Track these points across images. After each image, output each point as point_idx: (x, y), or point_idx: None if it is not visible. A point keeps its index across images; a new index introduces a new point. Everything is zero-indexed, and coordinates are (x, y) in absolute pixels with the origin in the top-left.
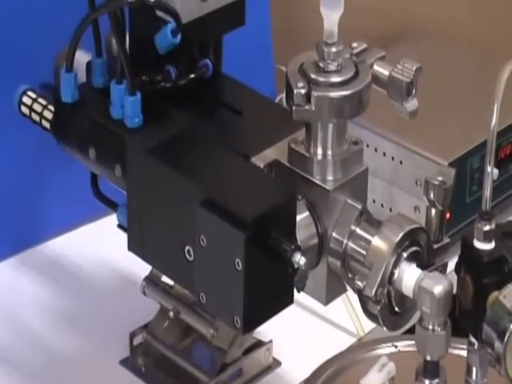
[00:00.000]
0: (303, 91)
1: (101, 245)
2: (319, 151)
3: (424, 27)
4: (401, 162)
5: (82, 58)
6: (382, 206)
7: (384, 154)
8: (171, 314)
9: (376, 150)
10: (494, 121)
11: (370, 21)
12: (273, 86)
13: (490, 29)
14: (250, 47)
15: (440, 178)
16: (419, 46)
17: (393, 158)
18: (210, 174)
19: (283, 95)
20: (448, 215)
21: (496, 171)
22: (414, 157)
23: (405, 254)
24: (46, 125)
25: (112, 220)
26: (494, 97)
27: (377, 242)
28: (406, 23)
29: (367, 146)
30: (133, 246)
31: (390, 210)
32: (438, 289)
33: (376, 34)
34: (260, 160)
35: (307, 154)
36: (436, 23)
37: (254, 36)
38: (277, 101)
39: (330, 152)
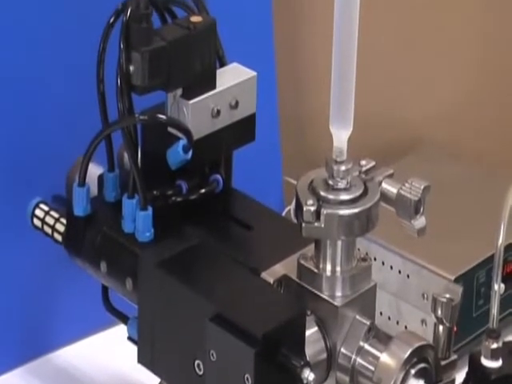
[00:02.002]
0: (313, 208)
1: (111, 355)
2: (328, 267)
3: (431, 141)
4: (408, 276)
5: (94, 170)
6: (389, 318)
7: (391, 268)
8: None
9: (383, 263)
10: (500, 240)
11: (379, 135)
12: (281, 198)
13: (496, 144)
14: (259, 159)
15: (447, 295)
16: (427, 160)
17: (400, 272)
18: (220, 288)
19: (291, 207)
20: (455, 329)
21: (502, 286)
22: (421, 271)
23: (413, 371)
24: (58, 237)
25: (122, 330)
26: (500, 216)
27: (385, 358)
28: (414, 137)
29: (374, 259)
30: (143, 359)
31: (397, 322)
32: None
33: (384, 148)
34: (270, 275)
35: (316, 270)
36: (443, 138)
37: (263, 149)
38: (285, 213)
39: (338, 268)
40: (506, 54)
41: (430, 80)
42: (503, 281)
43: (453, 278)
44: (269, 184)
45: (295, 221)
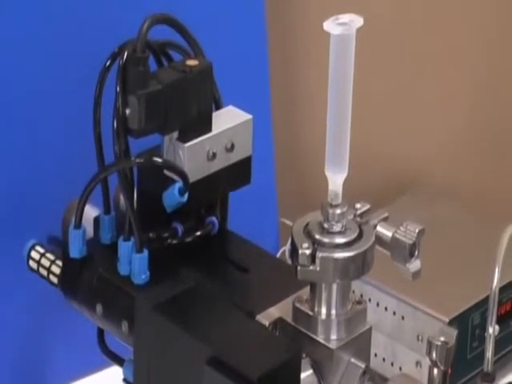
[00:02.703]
0: (308, 252)
1: None
2: (323, 310)
3: (428, 182)
4: (402, 318)
5: (89, 212)
6: (384, 360)
7: (386, 309)
8: None
9: (378, 304)
10: (495, 284)
11: (375, 175)
12: (276, 238)
13: (493, 186)
14: (254, 200)
15: (442, 339)
16: (422, 200)
17: (394, 313)
18: (216, 332)
19: (286, 248)
20: (449, 372)
21: (497, 328)
22: (416, 313)
23: None
24: (54, 280)
25: (117, 371)
26: (494, 260)
27: None
28: (410, 177)
29: (369, 300)
30: None
31: (392, 364)
32: None
33: (381, 188)
34: (265, 318)
35: (311, 313)
36: (439, 178)
37: (259, 190)
38: (280, 253)
39: (334, 311)
40: (502, 97)
41: (426, 121)
42: (497, 322)
43: (447, 319)
44: (264, 225)
45: (290, 262)
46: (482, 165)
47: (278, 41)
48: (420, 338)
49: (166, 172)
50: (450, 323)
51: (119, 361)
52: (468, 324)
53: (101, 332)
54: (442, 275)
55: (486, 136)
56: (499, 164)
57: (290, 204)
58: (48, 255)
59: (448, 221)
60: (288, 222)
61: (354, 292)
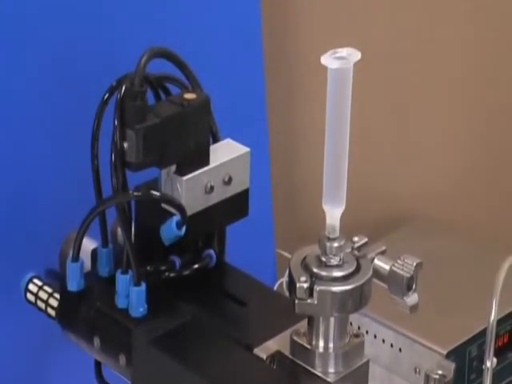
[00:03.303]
0: (306, 285)
1: None
2: (321, 344)
3: (425, 215)
4: (400, 350)
5: (87, 244)
6: None
7: (383, 341)
8: None
9: (375, 336)
10: (492, 317)
11: (373, 209)
12: (274, 270)
13: (489, 219)
14: (252, 232)
15: (440, 372)
16: (420, 233)
17: (392, 346)
18: (213, 366)
19: (283, 279)
20: None
21: (494, 360)
22: (413, 345)
23: None
24: (52, 312)
25: None
26: (492, 292)
27: None
28: (408, 211)
29: (367, 332)
30: None
31: None
32: None
33: (378, 221)
34: (263, 351)
35: (309, 347)
36: (436, 212)
37: (256, 222)
38: (276, 286)
39: (331, 345)
40: (498, 128)
41: (422, 155)
42: (495, 355)
43: (445, 352)
44: (262, 257)
45: (288, 295)
46: (477, 199)
47: (275, 74)
48: (417, 370)
49: (164, 205)
50: (448, 356)
51: None
52: (465, 356)
53: (98, 365)
54: (440, 308)
55: (482, 169)
56: (494, 198)
57: (287, 236)
58: (46, 288)
59: (445, 254)
60: (285, 254)
61: (351, 324)
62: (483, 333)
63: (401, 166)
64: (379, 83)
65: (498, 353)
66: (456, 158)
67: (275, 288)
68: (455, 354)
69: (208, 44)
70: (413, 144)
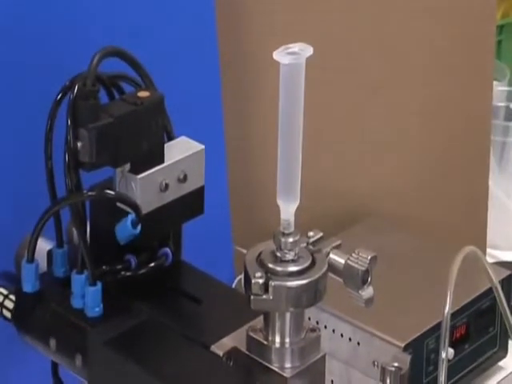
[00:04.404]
0: (261, 281)
1: None
2: (277, 339)
3: (379, 212)
4: (358, 344)
5: (42, 245)
6: None
7: (342, 336)
8: None
9: (334, 331)
10: (447, 308)
11: (328, 205)
12: (232, 267)
13: (443, 215)
14: (209, 230)
15: (396, 364)
16: (374, 230)
17: (350, 340)
18: (169, 365)
19: (241, 277)
20: None
21: (451, 351)
22: (371, 339)
23: None
24: (7, 314)
25: None
26: (447, 285)
27: None
28: (362, 207)
29: (325, 327)
30: None
31: None
32: None
33: (333, 218)
34: (219, 348)
35: (265, 342)
36: (391, 209)
37: (213, 219)
38: (235, 283)
39: (287, 340)
40: (453, 122)
41: (378, 152)
42: (452, 346)
43: (402, 345)
44: (219, 254)
45: (244, 293)
46: (430, 194)
47: (231, 71)
48: (376, 363)
49: (119, 204)
50: (405, 348)
51: None
52: (423, 349)
53: (55, 366)
54: (397, 302)
55: (436, 166)
56: (450, 193)
57: (246, 233)
58: (1, 290)
59: (400, 249)
60: (244, 251)
61: (309, 319)
62: (440, 325)
63: (357, 163)
64: (335, 80)
65: (456, 344)
66: (412, 155)
67: (234, 285)
68: (413, 347)
69: (162, 42)
70: (368, 141)
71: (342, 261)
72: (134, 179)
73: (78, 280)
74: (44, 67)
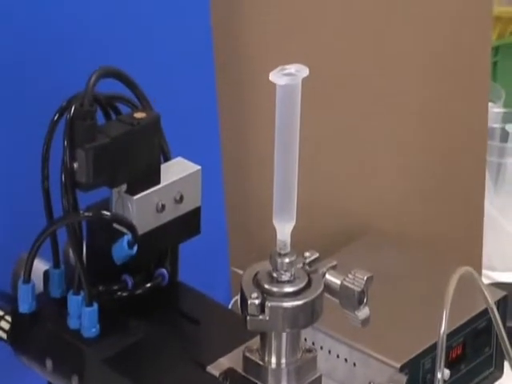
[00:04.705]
0: (257, 301)
1: None
2: (273, 360)
3: (376, 229)
4: (354, 364)
5: (39, 265)
6: None
7: (338, 356)
8: None
9: (330, 351)
10: (442, 330)
11: (324, 223)
12: (228, 288)
13: (441, 232)
14: (206, 250)
15: None
16: (371, 247)
17: (346, 360)
18: None
19: (238, 298)
20: None
21: (447, 371)
22: (368, 359)
23: None
24: (3, 335)
25: None
26: (443, 305)
27: None
28: (356, 227)
29: (321, 348)
30: None
31: None
32: None
33: (330, 236)
34: (215, 368)
35: (261, 363)
36: (388, 226)
37: (211, 240)
38: (232, 303)
39: (284, 360)
40: (449, 142)
41: (373, 169)
42: (448, 367)
43: (399, 365)
44: (216, 275)
45: (241, 313)
46: (426, 213)
47: (227, 91)
48: None
49: (115, 225)
50: (401, 369)
51: None
52: (419, 369)
53: None
54: (393, 322)
55: (434, 182)
56: (447, 210)
57: (242, 253)
58: None
59: (397, 268)
60: (240, 272)
61: (306, 340)
62: (436, 345)
63: (353, 180)
64: (329, 101)
65: (452, 365)
66: (409, 172)
67: (230, 306)
68: (409, 367)
69: (158, 62)
70: (364, 159)
71: (338, 281)
72: (131, 200)
73: (74, 300)
74: (42, 88)
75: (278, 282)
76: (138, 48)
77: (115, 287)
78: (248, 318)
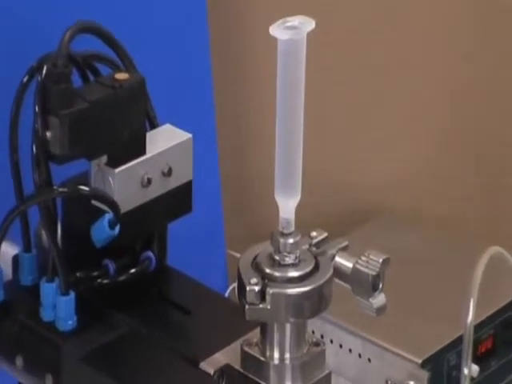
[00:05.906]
0: (257, 288)
1: None
2: (276, 355)
3: (391, 208)
4: (369, 360)
5: (7, 250)
6: None
7: (350, 351)
8: None
9: (341, 346)
10: (469, 320)
11: (334, 202)
12: (225, 274)
13: (457, 211)
14: (199, 232)
15: (412, 383)
16: (386, 228)
17: (360, 356)
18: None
19: (235, 285)
20: None
21: (476, 368)
22: (384, 354)
23: None
24: None
25: None
26: (469, 293)
27: None
28: (373, 204)
29: (331, 341)
30: None
31: None
32: None
33: (340, 216)
34: (210, 365)
35: (262, 358)
36: (403, 205)
37: (205, 220)
38: (228, 291)
39: (287, 355)
40: (465, 120)
41: (389, 146)
42: (477, 362)
43: (420, 361)
44: (211, 259)
45: (238, 302)
46: (446, 190)
47: (223, 55)
48: (389, 382)
49: (94, 202)
50: (423, 365)
51: None
52: (443, 365)
53: None
54: (413, 311)
55: (449, 161)
56: (463, 188)
57: (240, 235)
58: None
59: (414, 249)
60: (237, 255)
61: (313, 332)
62: (462, 338)
63: (367, 152)
64: (339, 70)
65: (481, 360)
66: (425, 150)
67: (227, 294)
68: (431, 363)
69: (147, 21)
70: (377, 136)
71: (350, 264)
72: (112, 173)
73: (47, 289)
74: (9, 45)
75: (281, 266)
76: (124, 4)
77: (95, 273)
78: (247, 306)
